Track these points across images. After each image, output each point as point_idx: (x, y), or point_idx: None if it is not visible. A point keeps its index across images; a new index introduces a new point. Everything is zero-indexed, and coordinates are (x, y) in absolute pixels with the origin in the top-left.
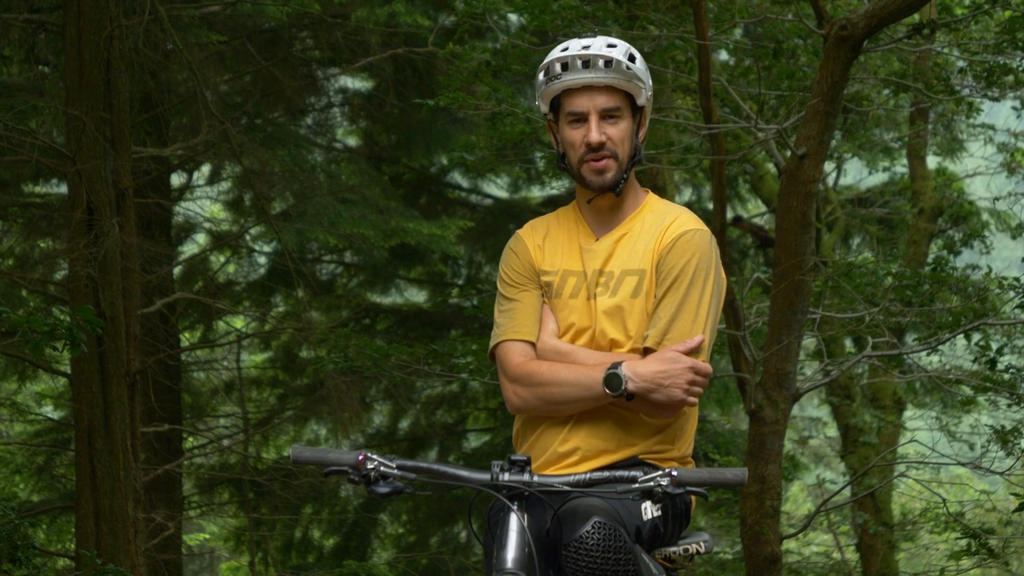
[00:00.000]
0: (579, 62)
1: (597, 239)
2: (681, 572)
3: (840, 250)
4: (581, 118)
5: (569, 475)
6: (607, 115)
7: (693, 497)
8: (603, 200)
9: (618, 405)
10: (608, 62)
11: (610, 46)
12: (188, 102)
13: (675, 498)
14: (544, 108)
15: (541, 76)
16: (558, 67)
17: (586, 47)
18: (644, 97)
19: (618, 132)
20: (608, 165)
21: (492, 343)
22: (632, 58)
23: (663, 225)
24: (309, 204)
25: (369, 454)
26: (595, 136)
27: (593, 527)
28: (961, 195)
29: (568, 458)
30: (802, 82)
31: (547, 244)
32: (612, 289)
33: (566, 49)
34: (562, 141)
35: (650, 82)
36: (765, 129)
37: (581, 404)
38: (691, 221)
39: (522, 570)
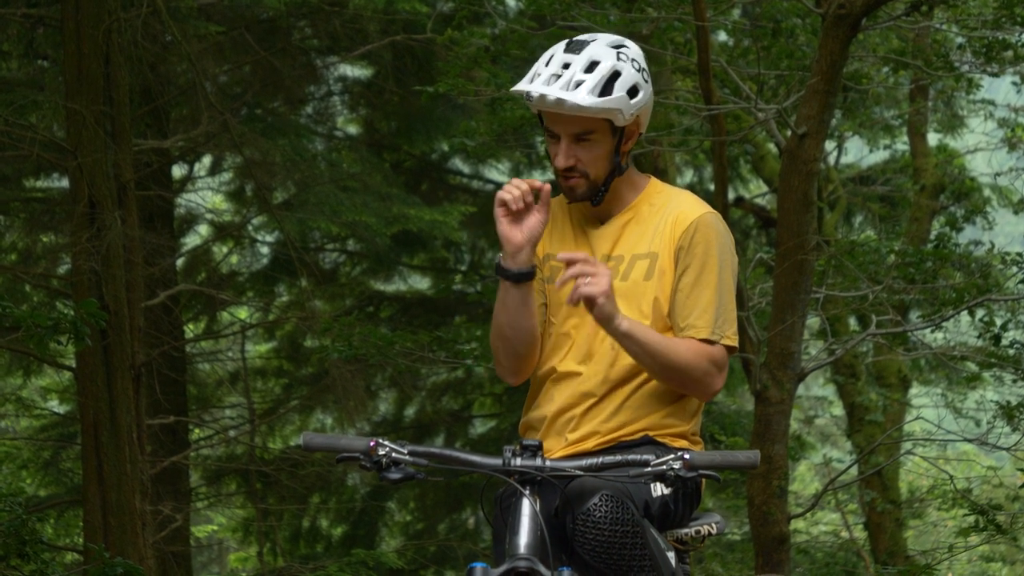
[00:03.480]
0: (547, 97)
1: (602, 223)
2: (691, 553)
3: (842, 229)
4: (556, 136)
5: (580, 458)
6: (579, 138)
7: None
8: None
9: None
10: (568, 102)
11: (590, 68)
12: (188, 93)
13: (686, 480)
14: (535, 111)
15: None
16: (526, 96)
17: (565, 66)
18: (624, 119)
19: (589, 155)
20: (577, 184)
21: None
22: (610, 83)
23: (672, 210)
24: (311, 193)
25: (381, 440)
26: (561, 161)
27: (600, 499)
28: (962, 171)
29: (581, 441)
30: (801, 61)
31: (554, 228)
32: (623, 273)
33: (548, 64)
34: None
35: (641, 96)
36: (765, 109)
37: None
38: (700, 205)
39: (535, 555)
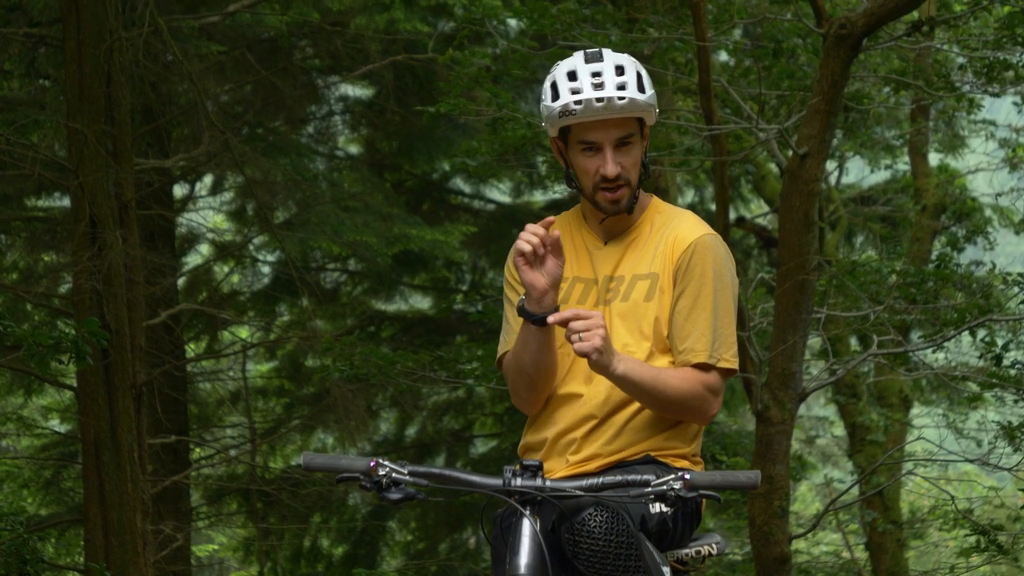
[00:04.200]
0: (594, 101)
1: (605, 243)
2: (692, 574)
3: (844, 249)
4: (594, 146)
5: (581, 478)
6: (621, 143)
7: None
8: (597, 211)
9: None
10: (623, 99)
11: (619, 72)
12: (189, 113)
13: (687, 500)
14: (552, 132)
15: (553, 107)
16: (572, 105)
17: (596, 75)
18: (654, 117)
19: (631, 159)
20: (623, 194)
21: (499, 351)
22: (642, 82)
23: (672, 230)
24: (312, 213)
25: (381, 460)
26: (611, 169)
27: (596, 510)
28: (963, 191)
29: (583, 463)
30: (802, 81)
31: None
32: (624, 294)
33: (575, 78)
34: (573, 166)
35: (654, 94)
36: (766, 129)
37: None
38: (700, 226)
39: (535, 575)
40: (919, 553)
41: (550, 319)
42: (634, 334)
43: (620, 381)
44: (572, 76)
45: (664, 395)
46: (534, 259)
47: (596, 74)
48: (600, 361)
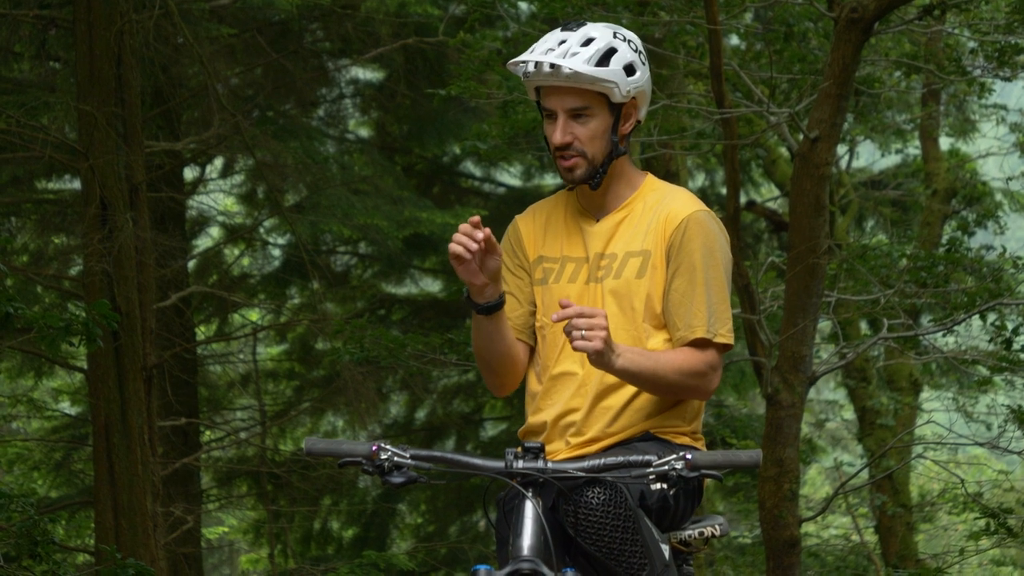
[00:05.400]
0: (546, 65)
1: (597, 221)
2: (699, 556)
3: (854, 232)
4: (552, 115)
5: (583, 459)
6: (576, 114)
7: None
8: (587, 188)
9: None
10: (571, 70)
11: (585, 43)
12: (199, 96)
13: (688, 479)
14: (532, 96)
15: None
16: (530, 66)
17: (561, 42)
18: (621, 95)
19: (586, 131)
20: (576, 163)
21: None
22: (606, 57)
23: (665, 207)
24: (322, 195)
25: (383, 444)
26: (558, 137)
27: (596, 484)
28: (974, 176)
29: (585, 445)
30: (813, 65)
31: (548, 228)
32: (616, 271)
33: (544, 42)
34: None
35: (638, 76)
36: (777, 113)
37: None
38: (693, 202)
39: (538, 557)
40: (928, 536)
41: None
42: (626, 311)
43: (620, 374)
44: (543, 41)
45: (664, 380)
46: (470, 259)
47: (562, 42)
48: (599, 361)
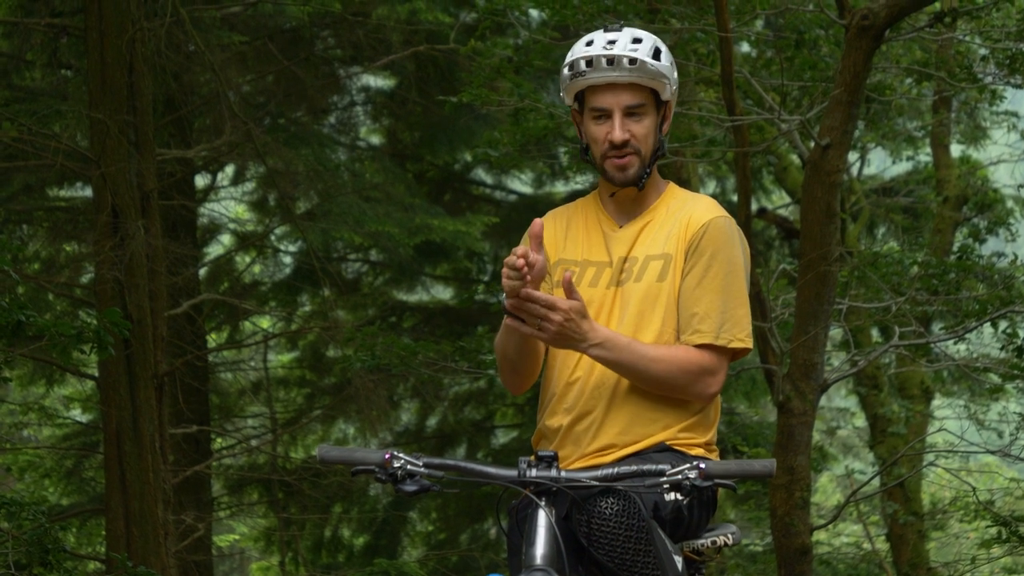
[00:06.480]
0: (604, 60)
1: (620, 227)
2: (711, 564)
3: (865, 240)
4: (605, 114)
5: (596, 468)
6: (631, 112)
7: None
8: (626, 192)
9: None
10: (633, 60)
11: (636, 41)
12: (211, 103)
13: (702, 489)
14: (569, 101)
15: (566, 71)
16: (583, 64)
17: (611, 43)
18: (669, 92)
19: (641, 129)
20: (631, 162)
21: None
22: (658, 54)
23: (687, 212)
24: (334, 203)
25: (396, 452)
26: (619, 135)
27: (609, 495)
28: (985, 183)
29: (598, 454)
30: (824, 72)
31: (569, 233)
32: (637, 274)
33: (591, 44)
34: (586, 135)
35: (676, 75)
36: (788, 120)
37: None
38: (715, 208)
39: (551, 566)
40: (940, 544)
41: (508, 303)
42: (647, 314)
43: (599, 362)
44: (589, 43)
45: (648, 374)
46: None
47: (612, 41)
48: (564, 346)
